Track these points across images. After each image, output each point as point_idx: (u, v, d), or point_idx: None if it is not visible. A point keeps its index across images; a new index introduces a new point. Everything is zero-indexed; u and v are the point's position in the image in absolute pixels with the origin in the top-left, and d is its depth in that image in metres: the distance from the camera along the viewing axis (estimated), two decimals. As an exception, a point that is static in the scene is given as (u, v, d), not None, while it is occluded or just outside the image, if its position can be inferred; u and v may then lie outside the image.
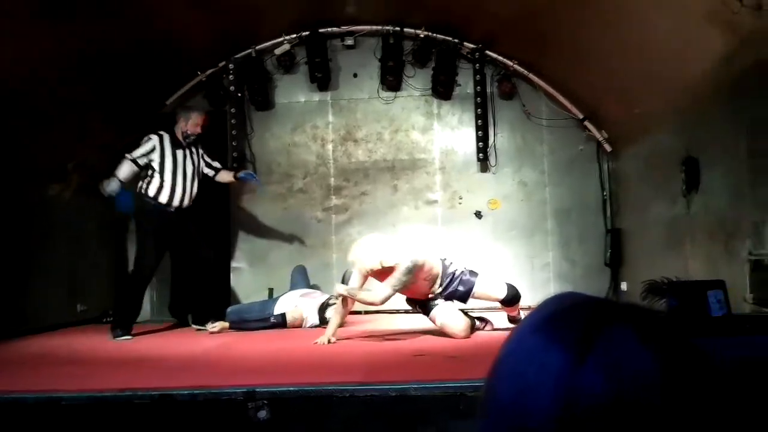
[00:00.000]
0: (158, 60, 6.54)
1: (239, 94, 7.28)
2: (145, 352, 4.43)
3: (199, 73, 7.20)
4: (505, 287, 4.89)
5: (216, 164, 6.13)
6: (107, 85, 6.22)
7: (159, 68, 6.71)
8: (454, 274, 4.90)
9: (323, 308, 5.76)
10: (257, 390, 2.83)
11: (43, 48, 5.15)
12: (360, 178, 7.38)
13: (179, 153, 5.69)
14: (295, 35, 7.17)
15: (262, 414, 2.83)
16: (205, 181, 6.03)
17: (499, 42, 7.02)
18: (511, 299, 4.87)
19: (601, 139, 6.97)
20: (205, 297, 5.91)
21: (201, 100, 7.29)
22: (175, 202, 5.63)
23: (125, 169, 5.52)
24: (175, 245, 5.76)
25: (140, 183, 5.64)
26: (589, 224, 7.11)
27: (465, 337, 4.69)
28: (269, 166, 7.44)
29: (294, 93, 7.47)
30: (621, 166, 6.92)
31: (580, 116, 6.99)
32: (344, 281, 5.87)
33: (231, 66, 7.20)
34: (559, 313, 0.67)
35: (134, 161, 5.55)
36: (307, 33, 7.09)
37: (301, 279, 6.47)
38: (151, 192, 5.57)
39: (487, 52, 7.07)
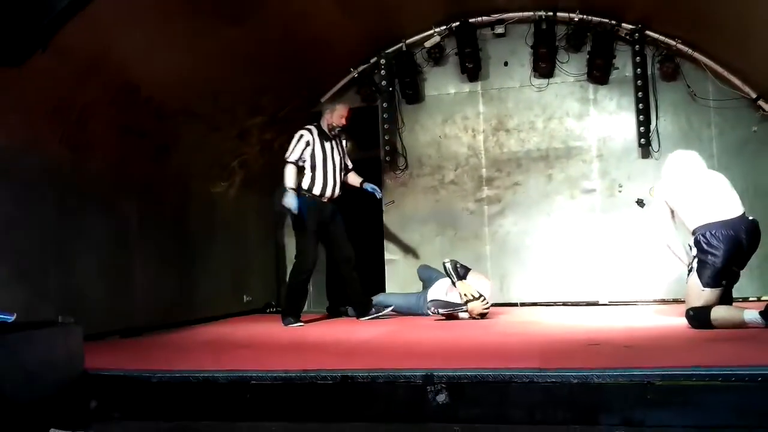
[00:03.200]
0: (312, 59, 6.75)
1: (390, 89, 7.38)
2: (320, 337, 4.60)
3: (351, 69, 7.37)
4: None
5: (349, 163, 6.22)
6: (265, 86, 6.49)
7: (313, 67, 6.94)
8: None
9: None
10: (435, 373, 2.84)
11: (206, 51, 5.44)
12: (513, 168, 7.25)
13: (327, 145, 5.86)
14: (444, 27, 7.18)
15: (441, 397, 2.83)
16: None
17: (658, 21, 6.65)
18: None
19: (778, 119, 6.43)
20: (361, 292, 6.03)
21: (354, 96, 7.47)
22: (328, 193, 5.80)
23: (291, 175, 5.70)
24: (328, 237, 5.88)
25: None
26: (765, 210, 6.54)
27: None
28: (420, 158, 7.49)
29: (444, 85, 7.47)
30: (800, 146, 6.35)
31: (753, 95, 6.47)
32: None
33: (382, 61, 7.31)
34: None
35: (296, 164, 5.75)
36: (457, 24, 7.07)
37: (432, 273, 6.33)
38: (305, 184, 5.74)
39: (647, 32, 6.72)
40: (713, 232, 4.35)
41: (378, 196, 6.29)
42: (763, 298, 6.23)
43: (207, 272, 6.39)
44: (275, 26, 5.83)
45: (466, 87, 7.41)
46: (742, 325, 4.09)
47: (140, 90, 5.16)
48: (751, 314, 4.08)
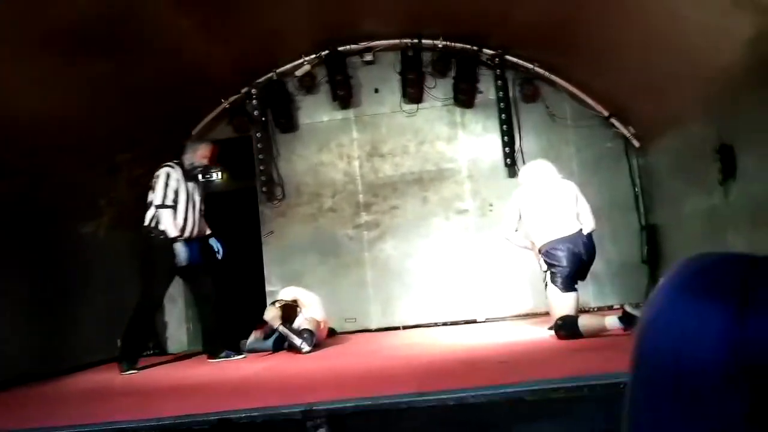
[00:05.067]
0: (183, 91, 6.60)
1: (263, 118, 7.33)
2: (198, 379, 4.44)
3: (222, 100, 7.27)
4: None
5: (203, 207, 5.85)
6: (135, 120, 6.27)
7: (184, 99, 6.79)
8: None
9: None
10: (314, 408, 2.81)
11: (71, 85, 5.23)
12: (389, 193, 7.37)
13: (190, 184, 5.60)
14: (314, 55, 7.22)
15: (322, 432, 2.81)
16: (234, 207, 5.95)
17: (518, 46, 7.01)
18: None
19: (628, 135, 6.91)
20: (216, 328, 5.75)
21: (225, 127, 7.37)
22: (187, 233, 5.50)
23: (169, 221, 5.34)
24: (188, 275, 5.66)
25: (150, 218, 5.44)
26: (622, 222, 7.00)
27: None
28: (297, 187, 7.47)
29: (317, 113, 7.51)
30: (651, 161, 6.84)
31: (605, 114, 6.94)
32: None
33: (253, 91, 7.26)
34: (706, 270, 0.67)
35: (164, 206, 5.38)
36: (327, 52, 7.14)
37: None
38: (162, 226, 5.37)
39: (507, 57, 7.06)
40: (556, 247, 4.86)
41: (219, 257, 5.81)
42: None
43: (80, 316, 6.05)
44: (147, 59, 5.68)
45: (339, 114, 7.49)
46: (604, 330, 4.44)
47: (8, 124, 4.86)
48: (612, 320, 4.43)
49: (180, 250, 5.31)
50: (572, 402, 2.81)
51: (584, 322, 4.61)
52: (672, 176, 6.30)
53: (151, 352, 6.92)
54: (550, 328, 4.87)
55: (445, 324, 6.95)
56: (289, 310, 5.58)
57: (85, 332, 6.11)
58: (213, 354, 5.62)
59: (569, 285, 4.82)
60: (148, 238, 5.45)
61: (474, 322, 6.95)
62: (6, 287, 5.16)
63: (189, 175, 5.63)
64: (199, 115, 7.34)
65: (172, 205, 5.39)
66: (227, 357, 5.57)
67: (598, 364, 3.40)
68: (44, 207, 5.64)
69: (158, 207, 5.37)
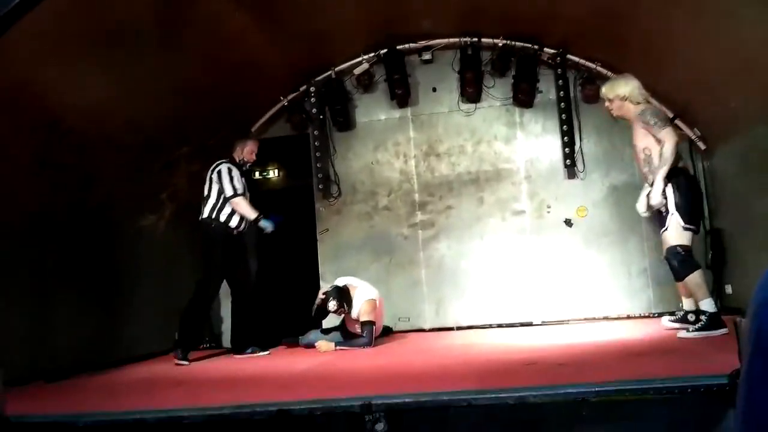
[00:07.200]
0: (241, 88, 6.68)
1: (321, 117, 7.37)
2: (255, 371, 4.49)
3: (281, 98, 7.33)
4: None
5: None
6: (192, 115, 6.37)
7: (242, 95, 6.87)
8: None
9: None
10: (373, 402, 2.79)
11: (130, 80, 5.30)
12: (444, 192, 7.32)
13: (243, 179, 5.89)
14: (372, 54, 7.22)
15: (380, 426, 2.79)
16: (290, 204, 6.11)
17: (579, 45, 6.87)
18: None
19: (693, 137, 6.69)
20: (245, 323, 5.94)
21: (284, 125, 7.44)
22: (241, 226, 5.82)
23: (247, 206, 5.75)
24: (233, 268, 5.85)
25: (210, 210, 5.74)
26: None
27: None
28: (353, 185, 7.48)
29: (374, 111, 7.51)
30: (716, 163, 6.61)
31: (670, 115, 6.72)
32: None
33: (312, 89, 7.31)
34: None
35: (237, 195, 5.72)
36: (385, 51, 7.13)
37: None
38: (223, 217, 5.71)
39: (568, 56, 6.93)
40: (689, 176, 4.77)
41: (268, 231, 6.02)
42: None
43: (135, 309, 6.17)
44: (201, 54, 5.76)
45: (397, 113, 7.47)
46: (695, 302, 4.52)
47: (60, 122, 4.98)
48: (709, 303, 4.37)
49: (262, 223, 5.77)
50: (637, 405, 2.74)
51: (697, 276, 4.53)
52: (738, 179, 6.07)
53: (207, 345, 7.04)
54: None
55: (499, 326, 6.87)
56: (344, 293, 5.78)
57: (141, 324, 6.23)
58: (239, 350, 5.80)
59: (697, 222, 4.70)
60: (209, 228, 5.70)
61: (530, 324, 6.84)
62: (61, 279, 5.29)
63: (241, 171, 5.92)
64: (258, 112, 7.43)
65: (243, 193, 5.76)
66: (252, 352, 5.75)
67: (662, 368, 3.30)
68: (99, 200, 5.75)
69: (233, 197, 5.69)
